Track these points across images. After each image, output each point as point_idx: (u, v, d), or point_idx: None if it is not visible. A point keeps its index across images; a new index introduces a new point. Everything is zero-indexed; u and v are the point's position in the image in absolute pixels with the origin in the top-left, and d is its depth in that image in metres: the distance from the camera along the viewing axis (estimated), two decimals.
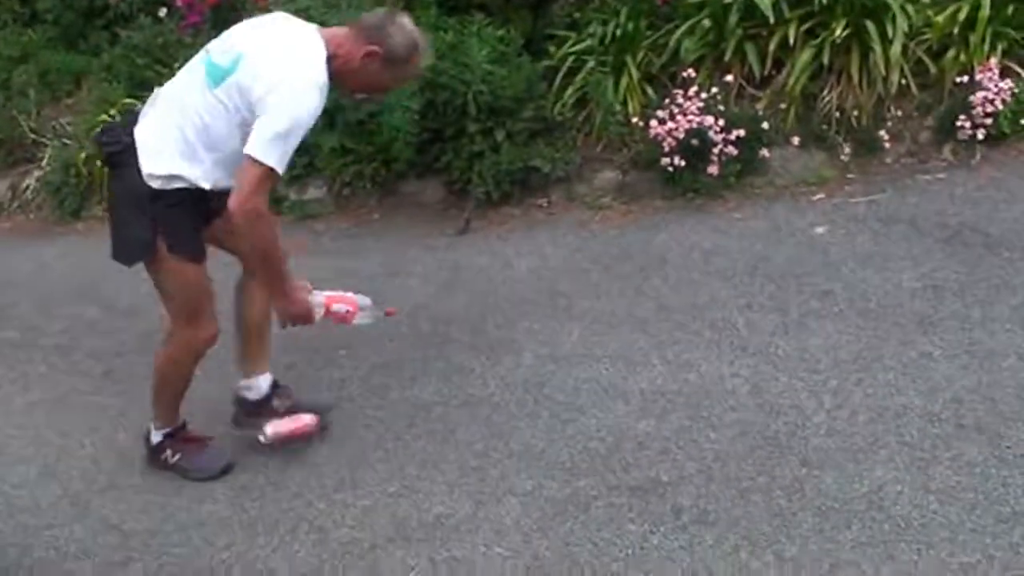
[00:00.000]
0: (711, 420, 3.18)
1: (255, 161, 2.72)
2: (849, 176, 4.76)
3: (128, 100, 5.74)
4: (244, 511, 3.08)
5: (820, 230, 4.33)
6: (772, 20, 4.84)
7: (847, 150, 4.82)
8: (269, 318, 3.25)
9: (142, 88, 5.82)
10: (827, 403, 3.18)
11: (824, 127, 4.87)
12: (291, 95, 2.74)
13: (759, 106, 4.94)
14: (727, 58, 4.94)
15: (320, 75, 2.80)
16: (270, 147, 2.72)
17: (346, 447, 3.31)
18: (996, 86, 4.69)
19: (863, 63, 4.81)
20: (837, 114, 4.85)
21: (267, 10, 5.69)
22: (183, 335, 3.05)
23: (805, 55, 4.81)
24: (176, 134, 2.88)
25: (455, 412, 3.42)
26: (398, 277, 4.49)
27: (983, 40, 4.81)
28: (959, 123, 4.73)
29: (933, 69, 4.89)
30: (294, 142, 2.75)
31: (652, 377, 3.46)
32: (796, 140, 4.83)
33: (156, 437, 3.27)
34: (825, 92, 4.89)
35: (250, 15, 5.66)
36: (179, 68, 3.09)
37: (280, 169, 2.74)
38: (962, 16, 4.85)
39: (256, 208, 2.74)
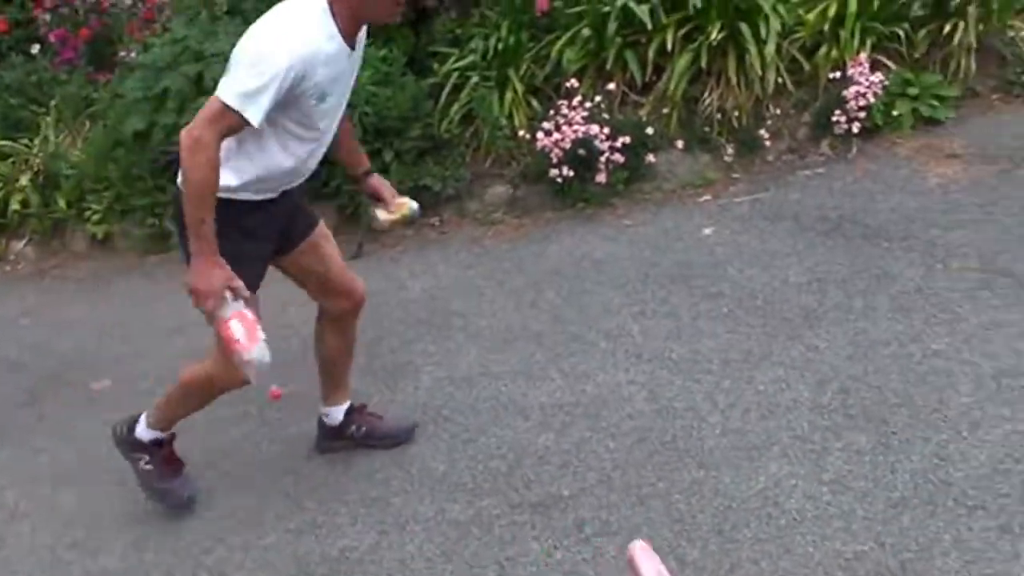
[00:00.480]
0: (610, 430, 3.20)
1: (214, 97, 2.54)
2: (733, 176, 4.85)
3: (4, 142, 5.57)
4: (141, 563, 3.00)
5: (707, 231, 4.40)
6: (650, 27, 4.91)
7: (730, 151, 4.91)
8: (347, 355, 3.25)
9: (17, 129, 5.67)
10: (721, 403, 3.23)
11: (707, 129, 4.95)
12: (254, 40, 2.57)
13: (642, 112, 5.00)
14: (608, 66, 4.99)
15: (295, 27, 2.56)
16: (226, 84, 2.53)
17: (243, 486, 3.25)
18: (867, 80, 4.83)
19: (740, 64, 4.91)
20: (718, 116, 4.94)
21: (144, 44, 5.66)
22: (217, 368, 2.87)
23: (683, 59, 4.89)
24: None
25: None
26: (291, 306, 4.42)
27: (853, 35, 4.95)
28: (835, 118, 4.86)
29: (807, 66, 5.02)
30: (256, 84, 2.49)
31: (551, 391, 3.47)
32: (680, 144, 4.90)
33: (144, 434, 3.08)
34: (705, 95, 4.97)
35: (127, 48, 5.61)
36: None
37: (235, 104, 2.49)
38: (831, 13, 4.98)
39: (200, 137, 2.51)
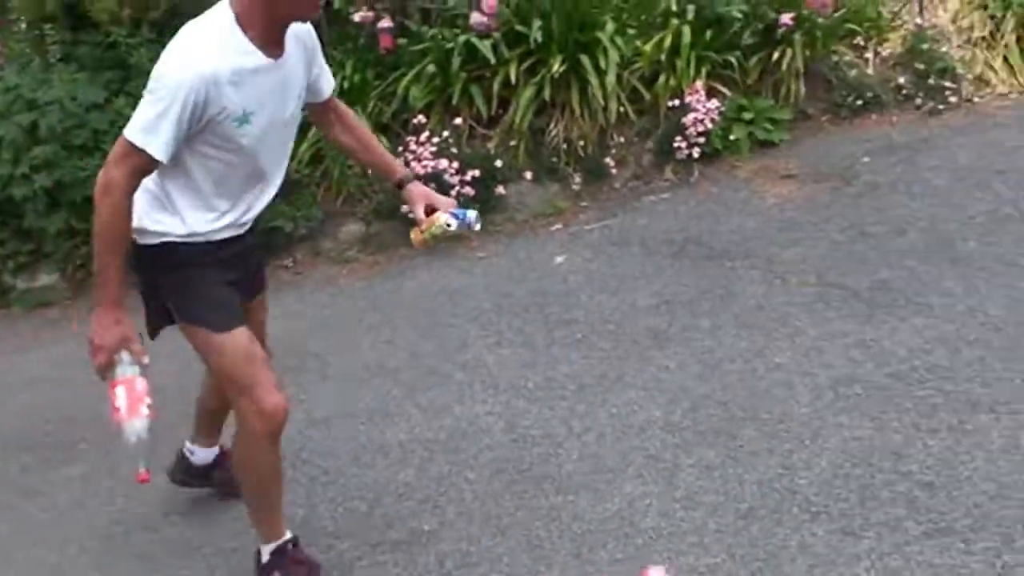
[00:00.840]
0: (468, 462, 3.22)
1: (122, 137, 2.35)
2: (582, 204, 4.96)
3: None
4: None
5: (559, 260, 4.48)
6: (493, 61, 5.00)
7: (578, 179, 5.02)
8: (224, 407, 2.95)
9: None
10: (576, 428, 3.29)
11: (554, 159, 5.05)
12: (156, 66, 2.35)
13: (491, 145, 5.07)
14: (455, 101, 5.05)
15: (194, 47, 2.34)
16: (136, 120, 2.33)
17: (94, 550, 3.14)
18: (704, 107, 5.02)
19: (583, 95, 5.03)
20: (565, 146, 5.05)
21: None
22: (245, 418, 2.58)
23: (527, 92, 4.99)
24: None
25: (210, 493, 3.31)
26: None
27: (689, 65, 5.14)
28: (676, 144, 5.03)
29: (648, 96, 5.18)
30: (154, 114, 2.29)
31: (409, 427, 3.47)
32: (529, 175, 4.99)
33: (265, 555, 2.75)
34: (551, 126, 5.08)
35: None
36: None
37: (138, 141, 2.29)
38: (667, 44, 5.16)
39: (110, 179, 2.33)
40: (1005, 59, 5.72)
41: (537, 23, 4.99)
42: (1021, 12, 5.75)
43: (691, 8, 5.23)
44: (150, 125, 2.30)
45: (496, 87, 5.02)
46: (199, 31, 2.37)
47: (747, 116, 5.20)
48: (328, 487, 3.23)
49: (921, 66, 5.53)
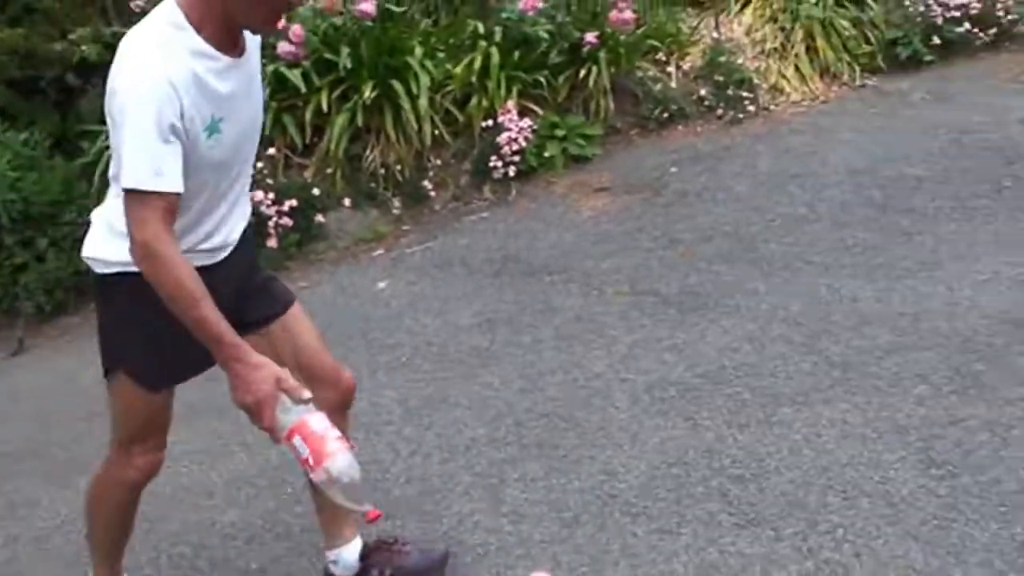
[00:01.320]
0: (295, 495, 3.18)
1: (125, 192, 2.03)
2: (404, 228, 4.98)
3: None
4: None
5: (382, 285, 4.48)
6: (304, 90, 4.97)
7: (397, 203, 5.04)
8: None
9: None
10: (403, 451, 3.29)
11: (372, 185, 5.06)
12: (124, 95, 2.03)
13: (307, 174, 5.04)
14: (267, 132, 5.00)
15: (150, 53, 2.05)
16: (127, 166, 2.02)
17: None
18: (517, 126, 5.12)
19: (397, 120, 5.06)
20: (383, 171, 5.07)
21: None
22: (113, 463, 2.45)
23: (340, 119, 4.98)
24: (106, 201, 2.26)
25: (25, 550, 3.17)
26: None
27: (499, 85, 5.23)
28: (492, 164, 5.11)
29: (461, 117, 5.25)
30: (155, 143, 2.01)
31: (234, 465, 3.40)
32: (348, 201, 4.98)
33: None
34: (367, 151, 5.09)
35: None
36: None
37: (150, 185, 2.00)
38: (477, 65, 5.25)
39: (145, 244, 2.01)
40: (796, 68, 6.06)
41: (346, 50, 5.00)
42: (808, 24, 6.11)
43: (499, 30, 5.34)
44: (147, 164, 2.00)
45: (308, 115, 5.00)
46: (146, 39, 2.08)
47: (560, 133, 5.33)
48: (150, 534, 3.12)
49: (720, 78, 5.80)
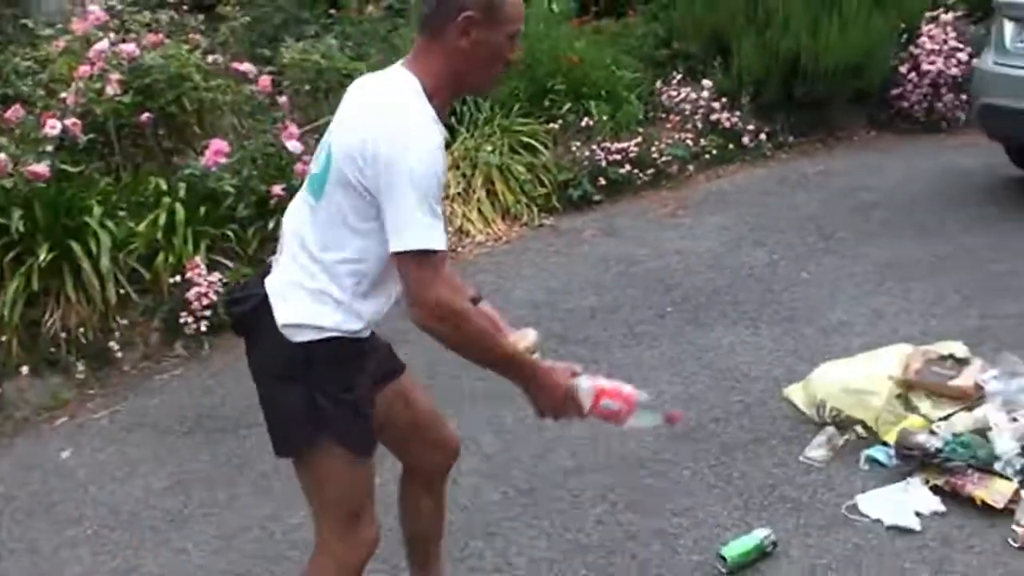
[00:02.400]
0: None
1: (408, 254, 2.11)
2: (89, 392, 4.77)
3: None
4: None
5: (66, 454, 4.25)
6: None
7: (81, 368, 4.83)
8: (441, 524, 2.78)
9: None
10: None
11: (53, 350, 4.83)
12: (404, 156, 2.10)
13: None
14: None
15: (424, 112, 2.18)
16: (415, 228, 2.10)
17: None
18: (206, 280, 5.08)
19: (77, 281, 4.90)
20: (64, 335, 4.86)
21: None
22: (337, 548, 2.41)
23: (14, 284, 4.76)
24: (298, 270, 2.26)
25: None
26: None
27: (186, 241, 5.20)
28: (183, 320, 5.02)
29: (148, 275, 5.15)
30: (435, 203, 2.13)
31: None
32: (26, 369, 4.72)
33: None
34: (47, 316, 4.87)
35: None
36: None
37: (439, 244, 2.12)
38: (162, 222, 5.20)
39: (441, 303, 2.12)
40: (479, 211, 6.41)
41: (18, 213, 4.82)
42: (487, 170, 6.51)
43: (183, 186, 5.34)
44: (431, 224, 2.11)
45: None
46: (409, 102, 2.18)
47: None
48: None
49: None
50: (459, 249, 6.14)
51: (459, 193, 6.47)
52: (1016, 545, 2.98)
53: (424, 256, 2.11)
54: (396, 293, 2.30)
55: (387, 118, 2.17)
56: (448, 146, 6.56)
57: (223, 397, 4.56)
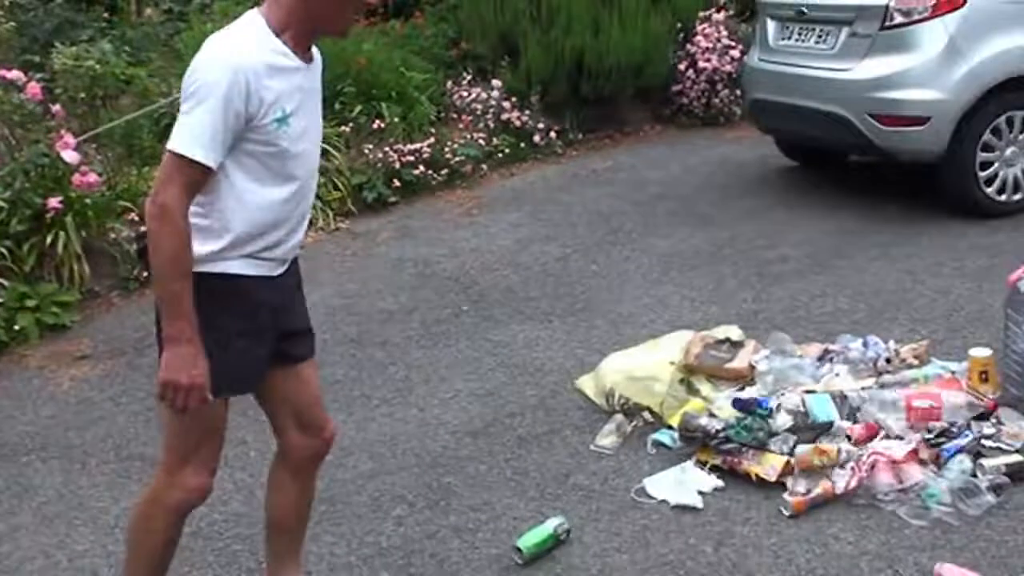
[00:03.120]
0: None
1: (168, 153, 2.29)
2: None
3: None
4: None
5: None
6: None
7: None
8: (299, 524, 2.84)
9: None
10: None
11: None
12: (189, 73, 2.31)
13: None
14: None
15: (228, 43, 2.32)
16: (179, 129, 2.28)
17: None
18: None
19: None
20: None
21: None
22: (161, 482, 2.54)
23: None
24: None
25: None
26: None
27: None
28: None
29: None
30: (205, 120, 2.24)
31: None
32: None
33: None
34: None
35: None
36: None
37: (187, 151, 2.25)
38: None
39: (164, 202, 2.26)
40: None
41: None
42: None
43: None
44: (197, 131, 2.24)
45: None
46: (230, 34, 2.35)
47: (31, 303, 5.08)
48: None
49: None
50: None
51: None
52: (787, 514, 3.18)
53: (174, 157, 2.28)
54: (278, 241, 2.45)
55: (207, 43, 2.36)
56: None
57: (1, 423, 4.32)
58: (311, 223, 6.38)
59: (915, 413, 3.38)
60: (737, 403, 3.55)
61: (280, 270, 2.52)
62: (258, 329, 2.48)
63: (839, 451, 3.31)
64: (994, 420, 3.43)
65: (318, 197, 6.43)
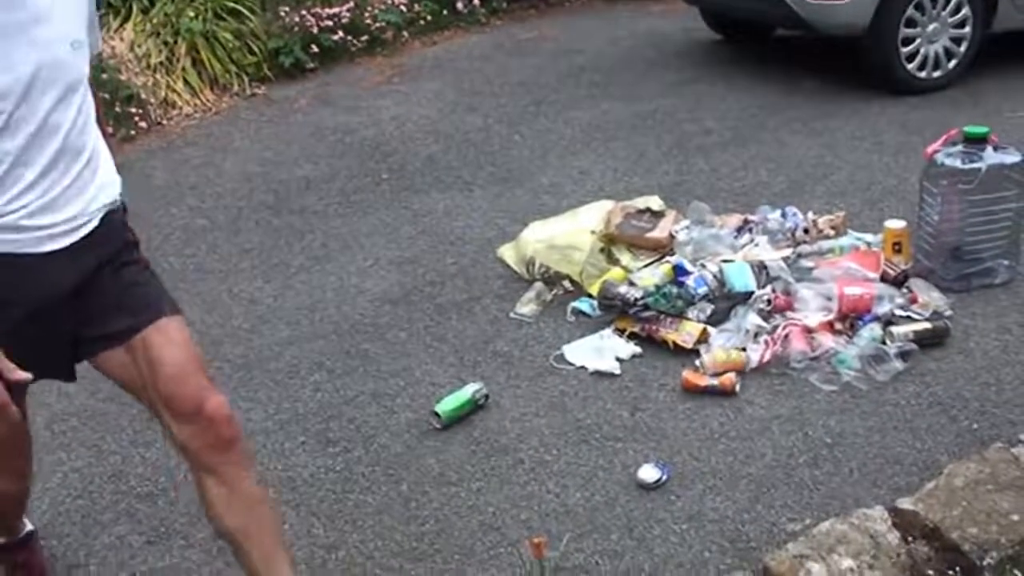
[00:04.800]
0: None
1: None
2: None
3: None
4: None
5: None
6: None
7: None
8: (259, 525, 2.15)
9: None
10: None
11: None
12: None
13: None
14: None
15: None
16: None
17: None
18: None
19: None
20: None
21: None
22: None
23: None
24: None
25: None
26: None
27: None
28: None
29: None
30: None
31: None
32: None
33: None
34: None
35: None
36: None
37: None
38: None
39: None
40: (185, 81, 6.09)
41: None
42: (191, 37, 6.16)
43: None
44: None
45: None
46: None
47: None
48: None
49: (107, 95, 5.64)
50: (165, 122, 5.85)
51: (161, 63, 6.10)
52: (708, 375, 3.22)
53: None
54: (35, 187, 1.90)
55: None
56: (146, 12, 6.19)
57: None
58: (225, 89, 6.22)
59: (847, 301, 3.39)
60: (679, 271, 3.54)
61: (45, 247, 1.95)
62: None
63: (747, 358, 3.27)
64: (905, 290, 3.50)
65: (232, 61, 6.25)
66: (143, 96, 5.80)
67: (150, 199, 4.86)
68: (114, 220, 2.06)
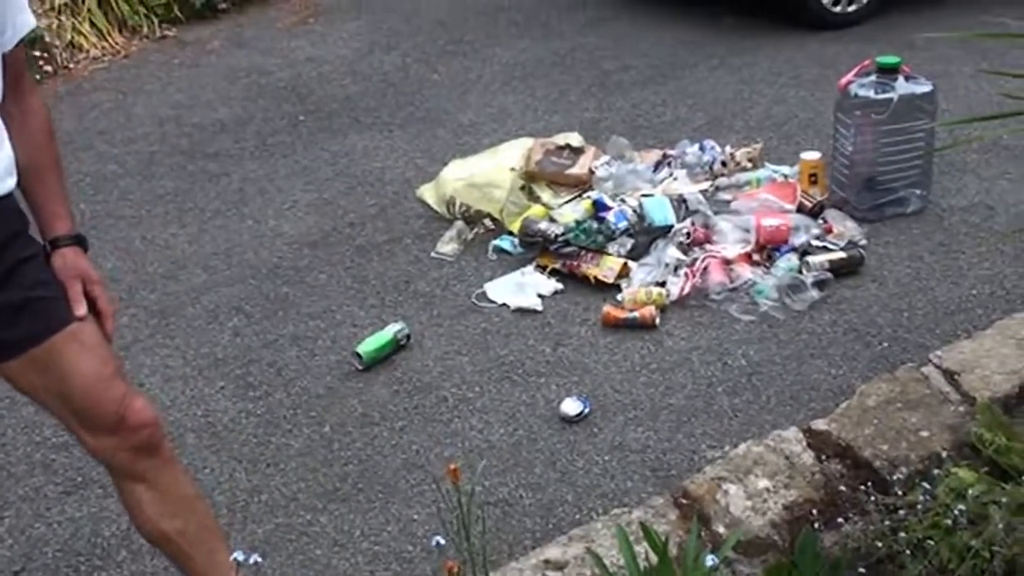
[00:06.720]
0: None
1: None
2: None
3: None
4: None
5: None
6: None
7: None
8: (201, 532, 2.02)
9: None
10: None
11: None
12: None
13: None
14: None
15: None
16: None
17: None
18: None
19: None
20: None
21: None
22: None
23: None
24: None
25: None
26: None
27: None
28: None
29: None
30: None
31: None
32: None
33: None
34: None
35: None
36: None
37: None
38: None
39: None
40: (92, 24, 5.88)
41: None
42: None
43: None
44: None
45: None
46: None
47: None
48: None
49: None
50: (71, 66, 5.65)
51: (66, 4, 5.88)
52: (627, 308, 3.24)
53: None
54: None
55: None
56: None
57: None
58: (134, 31, 6.03)
59: (764, 232, 3.41)
60: (599, 206, 3.53)
61: None
62: None
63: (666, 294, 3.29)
64: (821, 220, 3.55)
65: (141, 2, 6.05)
66: (47, 39, 5.59)
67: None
68: (8, 205, 1.83)
